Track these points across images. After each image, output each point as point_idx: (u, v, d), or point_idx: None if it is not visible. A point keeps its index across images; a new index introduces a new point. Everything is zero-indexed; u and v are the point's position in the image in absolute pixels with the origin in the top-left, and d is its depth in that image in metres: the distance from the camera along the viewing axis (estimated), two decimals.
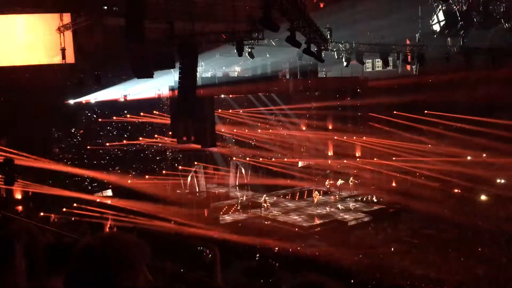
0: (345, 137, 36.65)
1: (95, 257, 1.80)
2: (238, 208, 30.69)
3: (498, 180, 34.04)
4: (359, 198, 33.49)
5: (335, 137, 37.93)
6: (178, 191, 32.47)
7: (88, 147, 32.09)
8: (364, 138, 36.30)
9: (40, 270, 2.69)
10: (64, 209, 26.68)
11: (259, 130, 38.97)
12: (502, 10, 18.17)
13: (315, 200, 31.97)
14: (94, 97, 30.04)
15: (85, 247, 1.88)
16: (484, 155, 35.96)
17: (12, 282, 2.31)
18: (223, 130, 36.37)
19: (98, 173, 30.58)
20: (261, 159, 37.63)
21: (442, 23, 19.20)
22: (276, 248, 23.14)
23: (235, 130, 38.17)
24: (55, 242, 3.62)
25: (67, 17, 23.96)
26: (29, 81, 27.97)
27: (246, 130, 38.49)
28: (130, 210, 25.72)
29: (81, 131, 31.95)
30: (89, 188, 30.26)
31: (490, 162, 34.55)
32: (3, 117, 26.68)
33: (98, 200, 28.75)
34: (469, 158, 37.25)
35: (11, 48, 26.16)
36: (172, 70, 22.61)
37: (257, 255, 22.78)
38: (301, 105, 37.15)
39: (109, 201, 29.41)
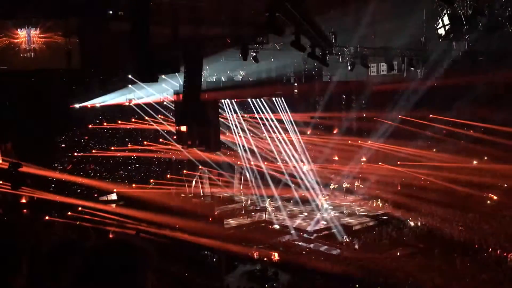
0: (349, 141, 36.58)
1: (102, 261, 1.80)
2: (243, 212, 30.64)
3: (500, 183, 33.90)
4: (363, 202, 33.40)
5: (340, 141, 37.87)
6: (182, 195, 32.47)
7: (94, 151, 32.16)
8: (369, 142, 36.20)
9: (46, 273, 2.69)
10: (69, 213, 26.77)
11: (264, 135, 38.92)
12: (507, 14, 18.10)
13: (319, 204, 31.90)
14: (99, 102, 30.17)
15: (92, 251, 1.88)
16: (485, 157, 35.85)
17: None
18: (227, 135, 36.36)
19: (102, 182, 30.76)
20: (265, 163, 37.55)
21: (447, 27, 19.14)
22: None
23: (239, 134, 38.15)
24: (61, 247, 3.61)
25: (73, 22, 24.05)
26: (34, 85, 28.11)
27: (251, 135, 38.44)
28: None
29: (86, 137, 32.01)
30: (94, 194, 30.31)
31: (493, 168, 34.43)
32: (8, 121, 26.80)
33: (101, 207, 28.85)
34: (475, 162, 37.10)
35: (16, 53, 26.29)
36: (176, 74, 22.64)
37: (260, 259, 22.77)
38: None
39: (113, 205, 29.47)
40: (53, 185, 29.21)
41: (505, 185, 32.16)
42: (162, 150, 34.71)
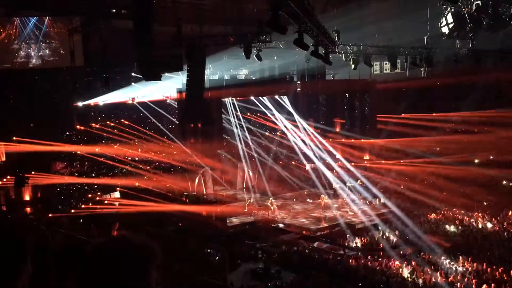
0: (352, 140, 36.55)
1: (106, 259, 1.82)
2: (245, 210, 30.65)
3: (504, 182, 33.73)
4: (367, 201, 33.31)
5: (343, 140, 37.83)
6: (185, 193, 32.47)
7: (97, 149, 32.20)
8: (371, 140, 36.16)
9: (51, 272, 2.71)
10: (72, 210, 26.86)
11: (266, 133, 38.89)
12: (511, 12, 18.06)
13: (322, 202, 31.87)
14: (102, 100, 30.20)
15: (96, 249, 1.89)
16: (491, 157, 35.64)
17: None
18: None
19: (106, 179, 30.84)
20: (269, 161, 37.53)
21: (450, 26, 19.10)
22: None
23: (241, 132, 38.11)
24: (65, 244, 3.65)
25: (76, 20, 24.15)
26: (38, 83, 28.20)
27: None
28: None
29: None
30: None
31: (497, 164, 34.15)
32: (12, 118, 26.90)
33: (106, 201, 28.89)
34: (476, 161, 37.01)
35: (20, 51, 26.38)
36: (180, 72, 22.68)
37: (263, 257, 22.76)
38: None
39: (117, 203, 29.53)
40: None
41: None
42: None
